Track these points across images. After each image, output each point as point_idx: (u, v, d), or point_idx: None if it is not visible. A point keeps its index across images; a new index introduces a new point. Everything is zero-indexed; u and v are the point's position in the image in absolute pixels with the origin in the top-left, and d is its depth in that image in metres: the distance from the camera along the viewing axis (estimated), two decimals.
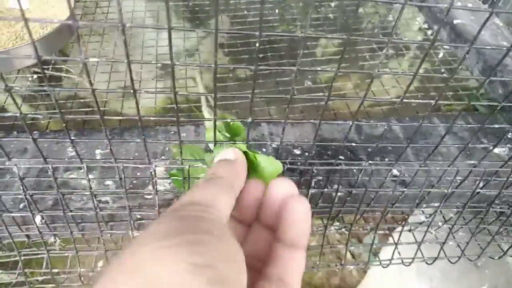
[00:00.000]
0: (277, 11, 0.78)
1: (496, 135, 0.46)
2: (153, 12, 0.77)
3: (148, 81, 0.70)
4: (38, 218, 0.34)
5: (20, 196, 0.35)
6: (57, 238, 0.37)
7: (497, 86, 0.58)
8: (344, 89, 0.72)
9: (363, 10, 0.81)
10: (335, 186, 0.37)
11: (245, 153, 0.25)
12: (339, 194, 0.37)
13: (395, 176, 0.39)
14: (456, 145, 0.43)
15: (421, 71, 0.22)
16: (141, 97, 0.67)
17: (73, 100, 0.60)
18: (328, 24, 0.75)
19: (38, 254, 0.38)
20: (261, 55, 0.67)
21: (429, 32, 0.74)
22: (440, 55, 0.70)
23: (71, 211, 0.33)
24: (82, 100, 0.60)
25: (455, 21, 0.69)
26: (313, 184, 0.38)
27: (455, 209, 0.42)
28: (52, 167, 0.28)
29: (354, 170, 0.39)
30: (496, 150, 0.44)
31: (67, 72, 0.63)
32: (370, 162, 0.39)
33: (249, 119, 0.24)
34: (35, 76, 0.63)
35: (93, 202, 0.32)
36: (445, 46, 0.70)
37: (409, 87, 0.24)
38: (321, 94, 0.64)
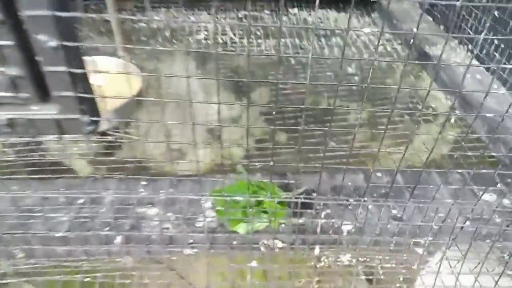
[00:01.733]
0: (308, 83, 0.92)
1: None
2: (204, 84, 0.93)
3: (198, 144, 0.83)
4: (118, 239, 0.46)
5: (107, 220, 0.47)
6: (130, 257, 0.49)
7: (500, 145, 0.66)
8: (378, 156, 0.80)
9: (392, 80, 0.93)
10: (345, 222, 0.46)
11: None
12: (347, 228, 0.47)
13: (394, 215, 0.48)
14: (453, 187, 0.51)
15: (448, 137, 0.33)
16: (192, 155, 0.80)
17: (134, 159, 0.74)
18: (357, 93, 0.87)
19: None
20: (293, 121, 0.79)
21: (443, 100, 0.84)
22: (452, 120, 0.79)
23: (142, 233, 0.45)
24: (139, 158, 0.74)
25: (464, 91, 0.79)
26: (322, 215, 0.48)
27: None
28: (130, 202, 0.40)
29: (360, 210, 0.49)
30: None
31: (130, 134, 0.79)
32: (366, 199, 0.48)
33: (271, 163, 0.36)
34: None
35: (160, 227, 0.44)
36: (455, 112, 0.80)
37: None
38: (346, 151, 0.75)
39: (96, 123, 0.34)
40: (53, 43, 0.28)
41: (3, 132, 0.34)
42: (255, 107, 0.87)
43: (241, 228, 0.45)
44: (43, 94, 0.31)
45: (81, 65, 0.31)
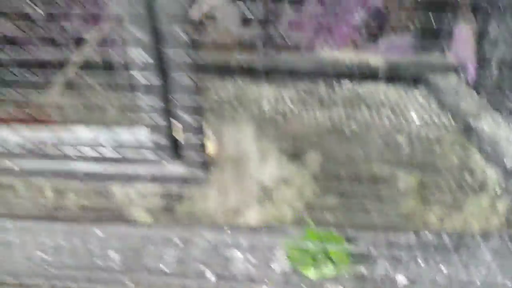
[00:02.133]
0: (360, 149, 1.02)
1: None
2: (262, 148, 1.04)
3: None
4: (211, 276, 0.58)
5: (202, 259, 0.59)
6: None
7: None
8: (428, 221, 0.88)
9: (440, 150, 1.02)
10: (398, 275, 0.55)
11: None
12: (402, 281, 0.55)
13: None
14: None
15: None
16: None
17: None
18: (406, 162, 0.96)
19: None
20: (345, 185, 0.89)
21: (487, 170, 0.92)
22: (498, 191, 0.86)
23: None
24: None
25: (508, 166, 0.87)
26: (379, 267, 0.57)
27: None
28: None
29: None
30: None
31: None
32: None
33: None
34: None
35: None
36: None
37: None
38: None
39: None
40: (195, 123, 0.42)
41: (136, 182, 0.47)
42: (305, 170, 0.97)
43: (311, 273, 0.55)
44: (176, 155, 0.44)
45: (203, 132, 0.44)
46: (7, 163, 0.44)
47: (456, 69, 1.32)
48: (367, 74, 1.32)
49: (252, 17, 1.37)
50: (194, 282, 0.57)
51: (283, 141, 1.08)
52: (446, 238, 0.61)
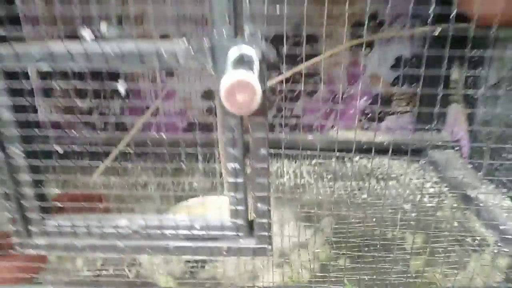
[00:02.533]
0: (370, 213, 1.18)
1: None
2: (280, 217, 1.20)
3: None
4: None
5: None
6: None
7: None
8: (432, 279, 1.01)
9: (442, 215, 1.17)
10: None
11: None
12: None
13: None
14: None
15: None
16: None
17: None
18: (412, 226, 1.11)
19: None
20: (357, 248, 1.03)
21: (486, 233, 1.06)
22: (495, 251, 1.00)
23: None
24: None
25: (501, 227, 1.02)
26: None
27: None
28: None
29: None
30: None
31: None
32: None
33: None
34: None
35: None
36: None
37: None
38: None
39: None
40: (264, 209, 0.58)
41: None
42: (321, 236, 1.11)
43: None
44: (250, 233, 0.60)
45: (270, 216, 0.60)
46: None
47: (453, 145, 1.50)
48: (374, 150, 1.51)
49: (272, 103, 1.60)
50: None
51: (300, 209, 1.23)
52: None
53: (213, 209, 1.08)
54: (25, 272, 0.80)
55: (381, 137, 1.51)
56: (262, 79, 0.50)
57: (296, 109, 1.62)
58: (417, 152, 1.55)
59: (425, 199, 1.29)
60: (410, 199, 1.29)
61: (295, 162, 1.51)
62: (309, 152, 1.52)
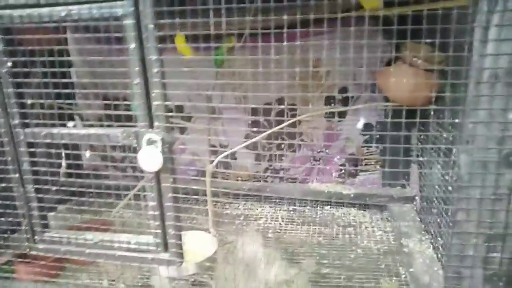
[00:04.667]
0: None
1: None
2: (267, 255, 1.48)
3: None
4: None
5: None
6: None
7: None
8: None
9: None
10: None
11: None
12: None
13: None
14: None
15: None
16: None
17: None
18: (362, 268, 1.35)
19: None
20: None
21: None
22: None
23: None
24: None
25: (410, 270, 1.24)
26: None
27: None
28: None
29: None
30: None
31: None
32: None
33: None
34: None
35: None
36: None
37: None
38: None
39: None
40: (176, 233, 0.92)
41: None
42: (305, 275, 1.35)
43: None
44: (166, 249, 0.94)
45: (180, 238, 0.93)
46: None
47: (412, 200, 1.73)
48: (342, 202, 1.77)
49: (261, 159, 1.93)
50: None
51: (282, 250, 1.50)
52: None
53: (196, 242, 1.40)
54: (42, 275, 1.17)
55: (350, 191, 1.77)
56: (163, 151, 0.85)
57: (284, 163, 1.94)
58: (383, 206, 1.78)
59: (372, 244, 1.53)
60: (361, 246, 1.53)
61: (274, 208, 1.82)
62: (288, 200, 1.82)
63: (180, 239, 0.93)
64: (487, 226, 0.75)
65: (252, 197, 1.87)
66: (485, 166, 0.74)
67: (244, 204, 1.87)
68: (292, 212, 1.79)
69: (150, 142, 0.86)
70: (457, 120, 0.85)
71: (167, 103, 0.86)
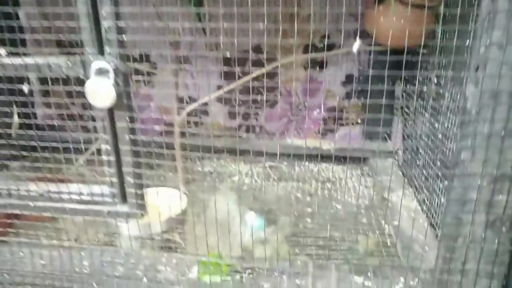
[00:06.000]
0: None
1: None
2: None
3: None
4: None
5: None
6: None
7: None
8: None
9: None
10: None
11: None
12: None
13: None
14: None
15: None
16: None
17: None
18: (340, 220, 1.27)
19: None
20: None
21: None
22: None
23: None
24: None
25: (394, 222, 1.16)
26: None
27: None
28: None
29: None
30: None
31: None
32: None
33: None
34: None
35: None
36: None
37: None
38: None
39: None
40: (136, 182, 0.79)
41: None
42: (280, 233, 1.26)
43: None
44: (124, 200, 0.81)
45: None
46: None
47: (394, 154, 1.64)
48: (322, 156, 1.67)
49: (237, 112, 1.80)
50: None
51: (257, 207, 1.40)
52: None
53: (163, 198, 1.28)
54: None
55: (330, 145, 1.67)
56: (117, 83, 0.71)
57: (261, 118, 1.82)
58: (364, 160, 1.69)
59: (352, 200, 1.44)
60: (342, 201, 1.45)
61: (250, 165, 1.70)
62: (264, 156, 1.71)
63: (141, 189, 0.80)
64: (494, 165, 0.65)
65: (226, 154, 1.74)
66: (495, 96, 0.63)
67: (217, 160, 1.75)
68: (268, 169, 1.69)
69: (100, 72, 0.71)
70: (466, 43, 0.73)
71: (120, 25, 0.71)
